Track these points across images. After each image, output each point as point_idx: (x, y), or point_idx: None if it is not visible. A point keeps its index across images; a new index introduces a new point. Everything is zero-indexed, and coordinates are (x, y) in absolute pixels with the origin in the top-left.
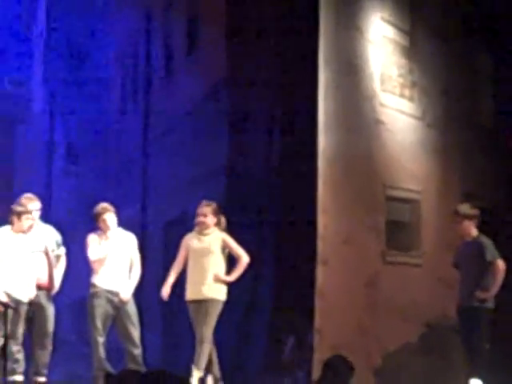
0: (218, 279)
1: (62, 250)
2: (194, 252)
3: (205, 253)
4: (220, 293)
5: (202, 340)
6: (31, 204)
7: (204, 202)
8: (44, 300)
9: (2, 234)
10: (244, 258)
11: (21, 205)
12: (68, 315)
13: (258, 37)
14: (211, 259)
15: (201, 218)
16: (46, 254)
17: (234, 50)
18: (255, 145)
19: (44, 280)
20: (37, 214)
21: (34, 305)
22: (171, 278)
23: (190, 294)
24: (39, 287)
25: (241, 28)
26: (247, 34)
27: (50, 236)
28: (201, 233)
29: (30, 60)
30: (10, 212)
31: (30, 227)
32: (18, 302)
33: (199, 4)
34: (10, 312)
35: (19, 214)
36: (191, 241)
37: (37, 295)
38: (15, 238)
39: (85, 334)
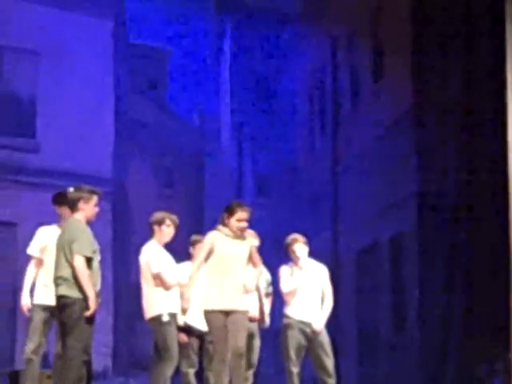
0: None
1: (270, 289)
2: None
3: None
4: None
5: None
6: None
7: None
8: (254, 331)
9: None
10: (260, 267)
11: None
12: (263, 347)
13: (443, 62)
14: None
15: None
16: (258, 289)
17: (420, 76)
18: (445, 171)
19: (255, 313)
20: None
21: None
22: None
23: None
24: (251, 320)
25: (426, 54)
26: (433, 60)
27: (262, 274)
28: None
29: (217, 94)
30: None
31: None
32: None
33: (384, 32)
34: (196, 342)
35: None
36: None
37: (248, 327)
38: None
39: (280, 366)
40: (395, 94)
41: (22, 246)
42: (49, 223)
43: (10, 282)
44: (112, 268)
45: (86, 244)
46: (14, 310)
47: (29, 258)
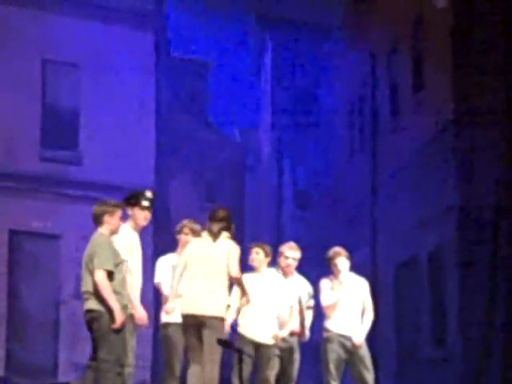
0: None
1: (312, 302)
2: None
3: None
4: None
5: None
6: (289, 252)
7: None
8: (294, 346)
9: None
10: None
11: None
12: (303, 360)
13: (484, 73)
14: None
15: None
16: (299, 302)
17: (461, 88)
18: (485, 184)
19: (296, 327)
20: (294, 262)
21: (284, 350)
22: None
23: None
24: (291, 333)
25: (468, 65)
26: (474, 70)
27: (304, 287)
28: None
29: (258, 108)
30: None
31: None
32: (260, 345)
33: (424, 43)
34: (246, 357)
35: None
36: None
37: (289, 340)
38: (257, 280)
39: (320, 379)
40: (435, 107)
41: (64, 257)
42: (91, 235)
43: (52, 294)
44: (153, 280)
45: (107, 258)
46: (56, 322)
47: None
